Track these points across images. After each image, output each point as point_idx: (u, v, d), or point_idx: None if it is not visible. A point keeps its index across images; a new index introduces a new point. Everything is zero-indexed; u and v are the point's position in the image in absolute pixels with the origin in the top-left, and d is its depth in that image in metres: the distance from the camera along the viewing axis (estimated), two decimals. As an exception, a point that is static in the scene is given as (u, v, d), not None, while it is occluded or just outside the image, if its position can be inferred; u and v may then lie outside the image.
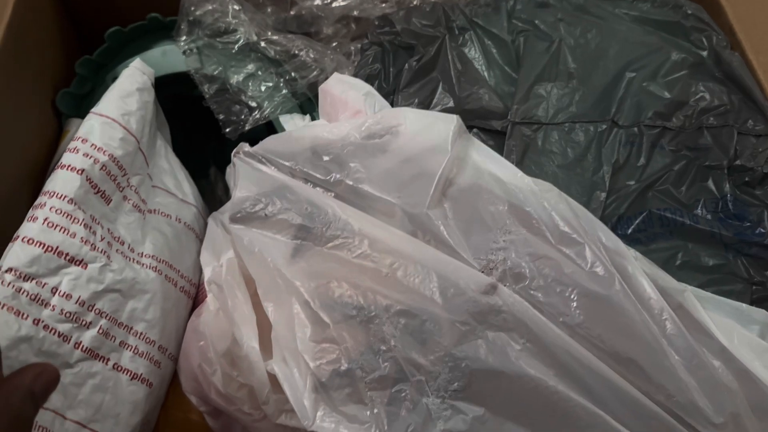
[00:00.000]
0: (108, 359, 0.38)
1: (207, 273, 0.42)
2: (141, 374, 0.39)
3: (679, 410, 0.35)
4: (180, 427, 0.43)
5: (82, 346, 0.37)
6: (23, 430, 0.27)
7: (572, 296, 0.36)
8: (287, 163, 0.42)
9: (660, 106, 0.46)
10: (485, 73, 0.49)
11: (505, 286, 0.37)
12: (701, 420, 0.35)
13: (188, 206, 0.48)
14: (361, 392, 0.35)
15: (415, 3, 0.53)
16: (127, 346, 0.39)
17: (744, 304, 0.40)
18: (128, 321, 0.39)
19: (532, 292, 0.37)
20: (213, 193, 0.62)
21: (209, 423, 0.42)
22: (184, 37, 0.50)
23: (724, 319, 0.39)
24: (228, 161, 0.47)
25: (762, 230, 0.42)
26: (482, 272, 0.37)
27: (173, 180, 0.48)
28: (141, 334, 0.40)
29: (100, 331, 0.37)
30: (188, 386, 0.42)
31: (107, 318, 0.38)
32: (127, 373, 0.39)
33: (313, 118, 0.51)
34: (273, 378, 0.37)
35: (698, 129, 0.46)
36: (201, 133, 0.61)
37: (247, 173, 0.42)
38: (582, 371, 0.35)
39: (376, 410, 0.35)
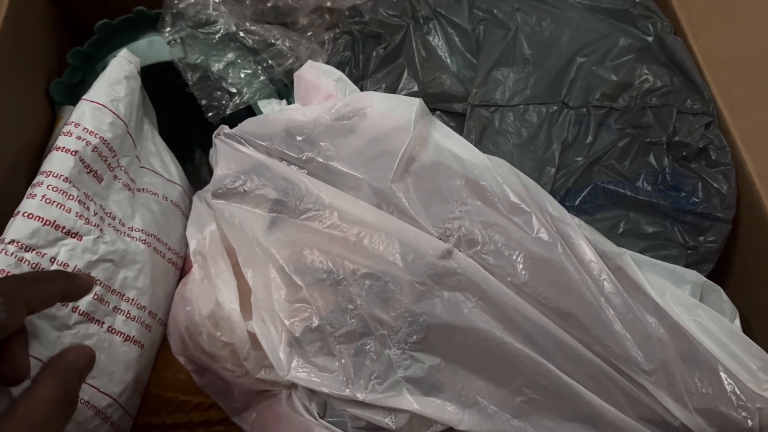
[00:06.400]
0: (103, 322, 0.42)
1: (192, 245, 0.46)
2: (133, 336, 0.43)
3: (614, 359, 0.40)
4: (169, 385, 0.47)
5: (79, 310, 0.40)
6: (72, 401, 0.31)
7: (519, 259, 0.41)
8: (264, 143, 0.46)
9: (607, 88, 0.50)
10: (447, 60, 0.52)
11: (459, 251, 0.41)
12: (633, 367, 0.39)
13: (174, 186, 0.52)
14: (331, 345, 0.39)
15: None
16: (119, 310, 0.43)
17: (678, 266, 0.45)
18: (120, 288, 0.43)
19: (483, 255, 0.41)
20: (198, 175, 0.66)
21: (196, 381, 0.46)
22: (168, 29, 0.53)
23: (659, 280, 0.44)
24: (211, 145, 0.51)
25: (696, 199, 0.47)
26: (439, 239, 0.42)
27: (160, 161, 0.52)
28: (132, 300, 0.43)
29: (95, 296, 0.41)
30: (176, 347, 0.46)
31: (101, 285, 0.42)
32: (120, 335, 0.42)
33: (289, 103, 0.54)
34: (253, 337, 0.41)
35: (642, 108, 0.50)
36: (186, 119, 0.65)
37: (227, 153, 0.46)
38: (527, 325, 0.39)
39: (343, 360, 0.39)
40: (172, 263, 0.48)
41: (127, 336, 0.43)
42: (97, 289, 0.41)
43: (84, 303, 0.41)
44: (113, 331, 0.42)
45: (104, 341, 0.42)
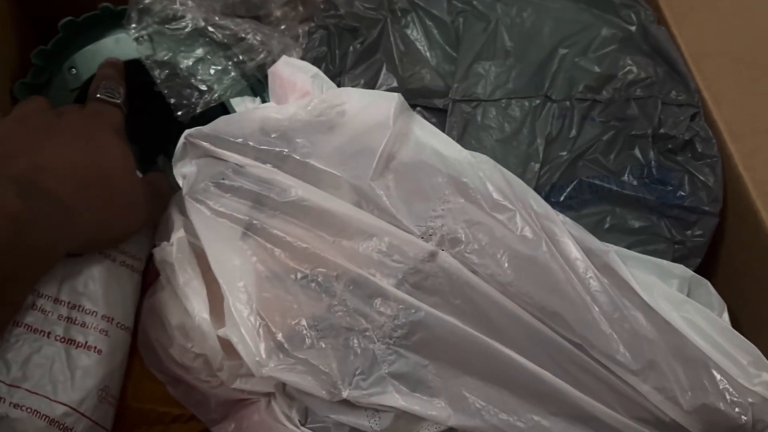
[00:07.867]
0: (49, 332, 0.40)
1: (157, 253, 0.44)
2: (87, 342, 0.41)
3: (601, 358, 0.39)
4: (147, 397, 0.45)
5: (21, 323, 0.40)
6: None
7: (503, 258, 0.39)
8: (237, 141, 0.44)
9: (590, 80, 0.49)
10: (427, 54, 0.51)
11: (442, 250, 0.40)
12: (621, 367, 0.38)
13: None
14: (313, 341, 0.38)
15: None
16: (66, 318, 0.41)
17: (665, 261, 0.44)
18: (67, 296, 0.42)
19: (467, 254, 0.40)
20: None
21: (171, 392, 0.44)
22: (134, 25, 0.51)
23: (646, 276, 0.43)
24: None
25: (682, 193, 0.46)
26: (422, 237, 0.40)
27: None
28: (80, 307, 0.42)
29: (37, 308, 0.40)
30: (148, 360, 0.44)
31: (44, 297, 0.41)
32: (71, 343, 0.41)
33: (263, 100, 0.52)
34: (225, 346, 0.40)
35: (626, 101, 0.49)
36: (159, 121, 0.63)
37: (199, 153, 0.44)
38: (512, 325, 0.38)
39: (326, 356, 0.38)
40: (126, 266, 0.45)
41: (80, 343, 0.41)
42: (40, 300, 0.40)
43: (27, 315, 0.40)
44: (62, 339, 0.41)
45: (54, 351, 0.40)
